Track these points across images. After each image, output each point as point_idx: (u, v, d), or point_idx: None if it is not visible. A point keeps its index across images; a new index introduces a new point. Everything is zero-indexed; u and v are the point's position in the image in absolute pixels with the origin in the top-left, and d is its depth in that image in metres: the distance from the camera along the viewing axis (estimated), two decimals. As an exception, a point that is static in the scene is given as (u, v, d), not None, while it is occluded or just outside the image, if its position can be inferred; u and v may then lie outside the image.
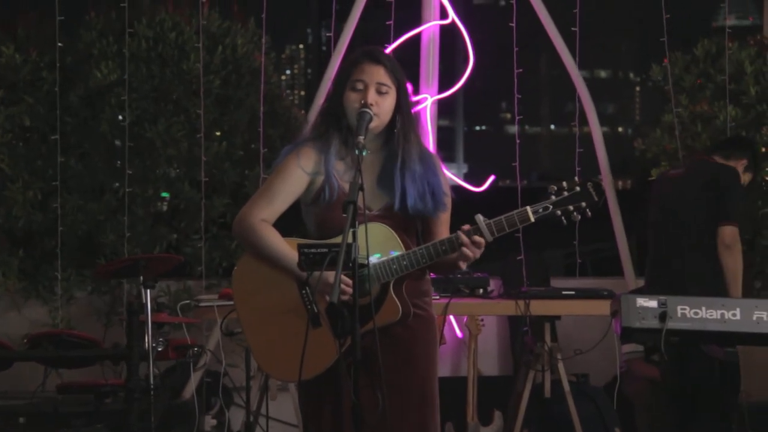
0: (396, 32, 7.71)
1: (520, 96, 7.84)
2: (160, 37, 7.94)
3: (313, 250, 3.75)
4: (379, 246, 4.00)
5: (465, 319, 7.01)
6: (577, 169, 7.61)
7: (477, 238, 3.96)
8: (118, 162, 7.88)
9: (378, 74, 4.11)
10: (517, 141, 7.80)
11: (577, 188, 3.99)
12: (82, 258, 7.98)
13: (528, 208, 3.98)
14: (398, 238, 4.04)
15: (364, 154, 3.89)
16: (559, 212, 3.98)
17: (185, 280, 7.94)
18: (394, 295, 4.02)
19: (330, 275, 3.80)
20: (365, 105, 4.05)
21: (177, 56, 7.91)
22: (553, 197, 3.99)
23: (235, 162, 8.05)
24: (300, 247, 3.78)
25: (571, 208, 3.98)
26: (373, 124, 4.05)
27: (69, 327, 7.61)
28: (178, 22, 7.98)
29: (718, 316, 4.29)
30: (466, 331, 6.96)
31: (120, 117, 7.74)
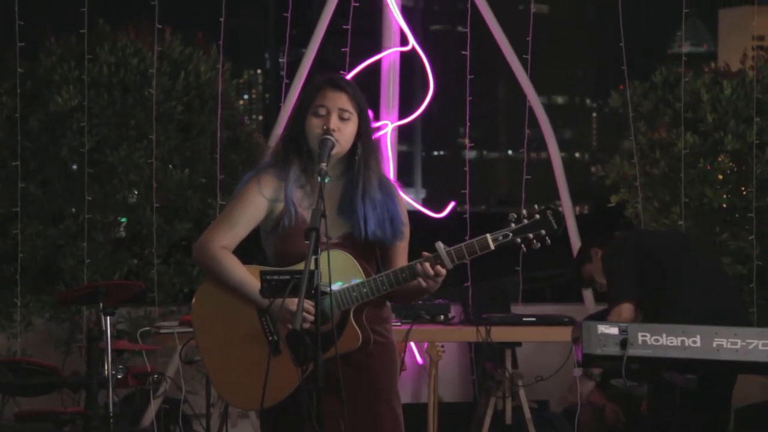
0: (356, 59, 7.73)
1: (470, 123, 7.91)
2: (122, 63, 7.94)
3: (275, 277, 3.75)
4: (340, 273, 3.99)
5: (425, 346, 7.02)
6: (523, 195, 7.67)
7: (438, 268, 3.98)
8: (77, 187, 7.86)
9: (340, 100, 4.11)
10: (467, 168, 7.91)
11: (537, 216, 4.01)
12: (40, 284, 7.93)
13: (488, 235, 3.99)
14: (359, 266, 4.04)
15: (326, 181, 3.89)
16: (519, 240, 3.99)
17: (145, 307, 7.91)
18: (354, 323, 4.02)
19: (291, 302, 3.81)
20: (327, 131, 4.05)
21: (139, 82, 7.91)
22: (513, 225, 4.00)
23: (197, 189, 8.05)
24: (263, 274, 3.77)
25: (530, 235, 4.00)
26: (334, 151, 4.05)
27: (27, 354, 7.55)
28: (140, 49, 7.98)
29: (679, 343, 4.33)
30: (426, 358, 6.96)
31: (83, 141, 7.71)
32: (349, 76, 7.35)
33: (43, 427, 6.45)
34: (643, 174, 8.07)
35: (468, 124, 7.93)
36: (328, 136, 4.03)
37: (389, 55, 7.80)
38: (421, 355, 7.63)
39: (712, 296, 5.79)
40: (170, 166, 7.99)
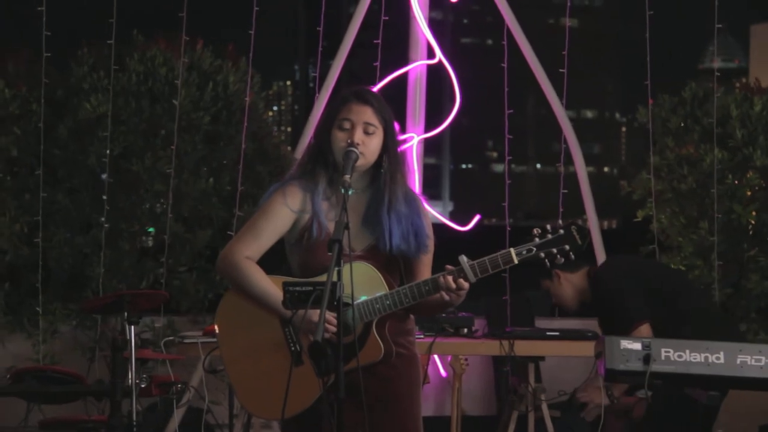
0: (383, 71, 7.74)
1: (511, 137, 7.88)
2: (151, 72, 7.98)
3: (298, 288, 3.76)
4: (364, 285, 4.00)
5: (449, 359, 7.00)
6: (560, 210, 7.64)
7: (460, 281, 3.97)
8: (104, 196, 7.90)
9: (365, 114, 4.12)
10: (507, 181, 7.85)
11: (561, 231, 4.00)
12: (68, 292, 7.97)
13: (512, 249, 3.99)
14: (383, 278, 4.05)
15: (350, 193, 3.90)
16: (542, 254, 3.99)
17: (170, 316, 7.94)
18: (376, 335, 4.02)
19: (314, 313, 3.81)
20: (352, 144, 4.06)
21: (167, 92, 7.95)
22: (537, 239, 4.00)
23: (224, 199, 8.07)
24: (285, 285, 3.78)
25: (554, 250, 3.99)
26: (359, 163, 4.06)
27: (53, 362, 7.59)
28: (169, 59, 8.02)
29: (702, 360, 4.30)
30: (450, 371, 6.95)
31: (107, 151, 7.75)
32: (375, 89, 7.35)
33: (67, 435, 6.47)
34: (671, 189, 8.04)
35: (508, 137, 7.88)
36: (352, 149, 4.04)
37: (416, 68, 7.80)
38: (444, 368, 7.62)
39: (712, 317, 6.08)
40: (204, 178, 8.02)
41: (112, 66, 7.76)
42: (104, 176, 7.92)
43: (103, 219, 7.81)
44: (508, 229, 7.43)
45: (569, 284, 6.39)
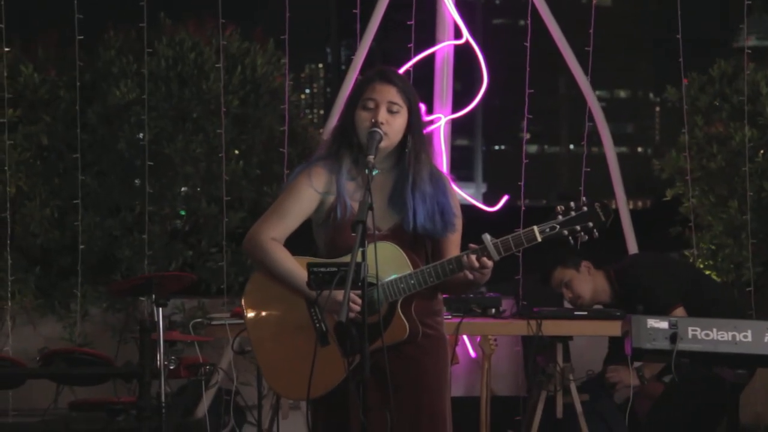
0: (415, 52, 7.71)
1: (531, 116, 7.84)
2: (180, 56, 7.99)
3: (322, 269, 3.76)
4: (388, 265, 4.00)
5: (478, 339, 6.99)
6: (581, 188, 7.60)
7: (484, 260, 3.96)
8: (136, 180, 7.94)
9: (389, 94, 4.12)
10: (525, 161, 7.84)
11: (585, 208, 3.99)
12: (98, 274, 8.02)
13: (535, 227, 3.98)
14: (407, 258, 4.05)
15: (374, 173, 3.90)
16: (565, 232, 3.97)
17: (200, 298, 7.97)
18: (401, 314, 4.02)
19: (339, 294, 3.82)
20: (375, 124, 4.06)
21: (196, 76, 7.96)
22: (560, 217, 3.99)
23: (252, 180, 8.09)
24: (309, 266, 3.79)
25: (578, 228, 3.97)
26: (383, 144, 4.06)
27: (84, 343, 7.64)
28: (198, 43, 8.03)
29: (730, 338, 4.29)
30: (479, 351, 6.93)
31: (140, 135, 7.78)
32: (402, 70, 7.34)
33: (97, 416, 6.50)
34: (700, 168, 7.99)
35: (528, 116, 7.85)
36: (376, 129, 4.04)
37: (443, 49, 7.76)
38: (474, 349, 7.61)
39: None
40: (233, 160, 8.03)
41: (145, 49, 7.77)
42: (138, 162, 7.95)
43: (138, 203, 7.86)
44: (523, 209, 7.41)
45: (592, 279, 6.41)
